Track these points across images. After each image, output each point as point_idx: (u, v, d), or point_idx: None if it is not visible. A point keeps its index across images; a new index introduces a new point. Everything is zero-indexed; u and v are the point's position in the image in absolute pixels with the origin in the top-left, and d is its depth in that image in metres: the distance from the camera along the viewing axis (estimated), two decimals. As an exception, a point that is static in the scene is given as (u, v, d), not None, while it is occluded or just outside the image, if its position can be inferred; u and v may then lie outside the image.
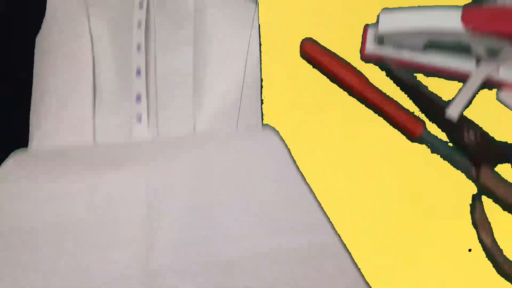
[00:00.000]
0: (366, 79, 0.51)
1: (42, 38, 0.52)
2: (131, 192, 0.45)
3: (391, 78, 0.52)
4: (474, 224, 0.46)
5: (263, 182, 0.46)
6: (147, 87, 0.51)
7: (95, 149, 0.48)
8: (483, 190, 0.47)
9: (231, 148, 0.48)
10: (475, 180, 0.47)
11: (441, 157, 0.49)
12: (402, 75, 0.51)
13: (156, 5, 0.53)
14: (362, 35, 0.54)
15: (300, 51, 0.53)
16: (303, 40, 0.53)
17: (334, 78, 0.52)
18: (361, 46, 0.53)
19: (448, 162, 0.49)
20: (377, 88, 0.51)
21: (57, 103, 0.50)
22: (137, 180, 0.45)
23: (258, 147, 0.48)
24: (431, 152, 0.49)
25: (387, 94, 0.50)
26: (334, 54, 0.52)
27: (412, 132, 0.49)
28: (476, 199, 0.46)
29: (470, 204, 0.47)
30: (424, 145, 0.49)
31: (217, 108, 0.50)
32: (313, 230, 0.44)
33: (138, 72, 0.51)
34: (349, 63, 0.52)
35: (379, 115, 0.51)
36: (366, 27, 0.54)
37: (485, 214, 0.45)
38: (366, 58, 0.53)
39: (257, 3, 0.53)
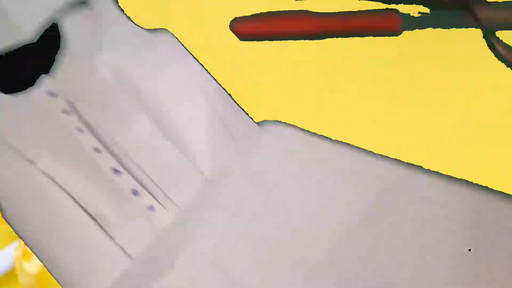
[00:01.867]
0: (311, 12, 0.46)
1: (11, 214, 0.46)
2: None
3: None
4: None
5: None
6: (134, 176, 0.46)
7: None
8: (487, 28, 0.44)
9: (256, 153, 0.45)
10: (475, 22, 0.45)
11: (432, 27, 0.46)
12: None
13: (75, 96, 0.48)
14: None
15: (237, 35, 0.48)
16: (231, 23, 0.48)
17: (284, 36, 0.47)
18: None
19: (442, 27, 0.47)
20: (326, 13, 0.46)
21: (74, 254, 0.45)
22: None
23: (275, 142, 0.45)
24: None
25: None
26: (267, 14, 0.47)
27: (392, 27, 0.46)
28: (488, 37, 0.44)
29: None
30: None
31: (208, 144, 0.46)
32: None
33: (116, 171, 0.46)
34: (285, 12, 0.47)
35: (348, 35, 0.47)
36: None
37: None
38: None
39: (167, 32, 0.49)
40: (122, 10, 0.50)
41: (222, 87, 0.47)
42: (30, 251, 0.51)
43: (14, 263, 0.51)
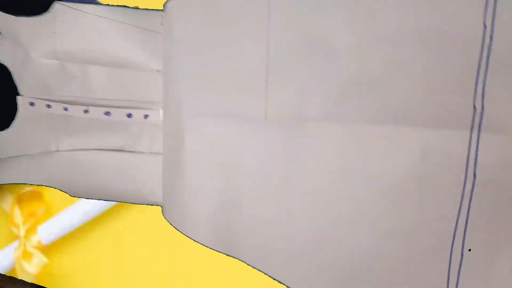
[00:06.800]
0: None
1: None
2: None
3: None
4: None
5: None
6: None
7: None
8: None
9: None
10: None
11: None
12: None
13: None
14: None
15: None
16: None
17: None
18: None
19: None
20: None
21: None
22: None
23: None
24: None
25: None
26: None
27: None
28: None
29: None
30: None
31: None
32: None
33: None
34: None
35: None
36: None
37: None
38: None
39: None
40: None
41: None
42: (30, 251, 0.51)
43: (14, 263, 0.51)
